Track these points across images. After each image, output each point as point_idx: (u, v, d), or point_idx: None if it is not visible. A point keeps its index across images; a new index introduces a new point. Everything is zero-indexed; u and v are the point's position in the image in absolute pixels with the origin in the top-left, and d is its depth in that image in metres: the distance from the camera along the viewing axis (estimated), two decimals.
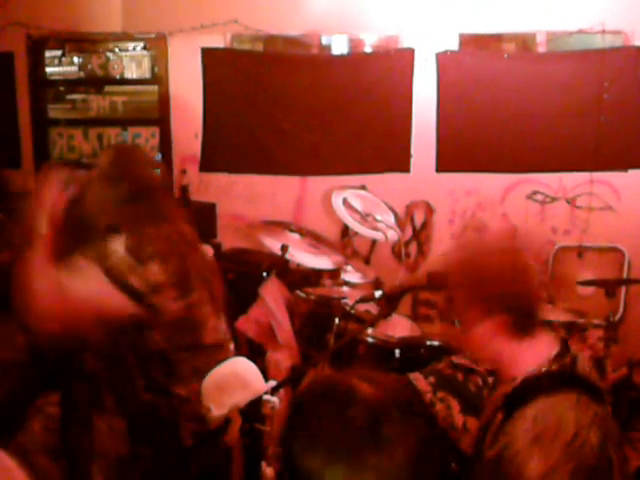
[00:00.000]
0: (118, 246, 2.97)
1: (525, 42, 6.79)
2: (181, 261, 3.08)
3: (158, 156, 7.09)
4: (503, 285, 2.36)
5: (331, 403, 1.58)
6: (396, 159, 6.65)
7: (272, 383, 2.52)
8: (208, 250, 6.10)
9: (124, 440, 3.09)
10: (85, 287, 2.95)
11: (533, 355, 2.35)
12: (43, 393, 4.38)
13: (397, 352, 4.58)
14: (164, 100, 6.97)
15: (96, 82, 7.36)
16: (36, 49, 7.09)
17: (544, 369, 2.32)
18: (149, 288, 2.96)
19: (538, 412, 2.21)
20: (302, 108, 6.75)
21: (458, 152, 6.56)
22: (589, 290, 5.85)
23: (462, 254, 2.54)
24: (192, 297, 3.10)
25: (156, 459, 3.07)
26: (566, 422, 2.18)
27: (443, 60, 6.49)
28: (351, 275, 5.31)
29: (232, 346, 3.34)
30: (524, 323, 2.37)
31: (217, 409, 2.59)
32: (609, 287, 5.07)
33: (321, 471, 1.53)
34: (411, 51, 6.53)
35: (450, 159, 6.58)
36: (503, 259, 2.44)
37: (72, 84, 7.43)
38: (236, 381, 2.68)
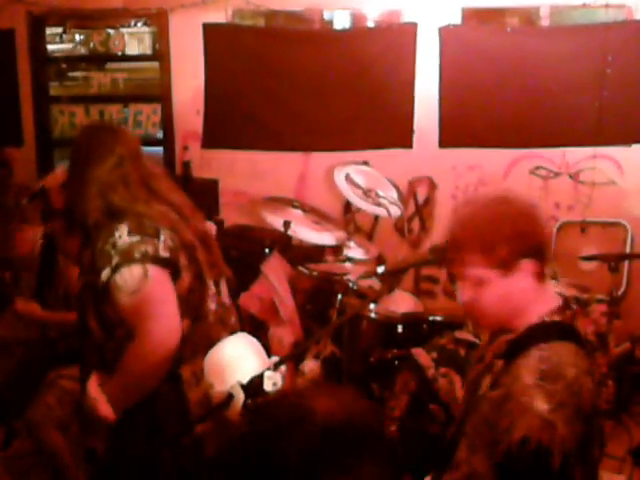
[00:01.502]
0: (125, 234, 2.95)
1: (528, 16, 6.76)
2: (181, 230, 3.07)
3: (160, 133, 7.09)
4: (531, 230, 2.37)
5: (280, 419, 1.44)
6: (399, 135, 6.63)
7: (275, 359, 2.51)
8: (210, 227, 6.12)
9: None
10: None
11: (540, 306, 2.40)
12: (54, 368, 4.40)
13: (400, 328, 4.58)
14: (165, 76, 6.94)
15: (97, 59, 7.35)
16: (37, 26, 7.05)
17: (547, 319, 2.38)
18: (170, 253, 2.96)
19: (542, 354, 2.28)
20: (304, 83, 6.72)
21: (461, 127, 6.54)
22: (592, 265, 5.86)
23: (475, 213, 2.43)
24: (197, 265, 3.10)
25: (173, 455, 3.07)
26: (567, 365, 2.26)
27: (446, 34, 6.45)
28: (353, 251, 5.31)
29: (234, 318, 3.33)
30: (542, 270, 2.40)
31: (219, 385, 2.58)
32: (612, 262, 5.07)
33: None
34: (414, 25, 6.49)
35: (453, 134, 6.55)
36: (518, 206, 2.42)
37: (73, 61, 7.42)
38: (238, 357, 2.67)
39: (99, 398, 2.97)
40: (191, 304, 3.04)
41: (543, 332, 2.36)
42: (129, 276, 2.88)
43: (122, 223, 2.95)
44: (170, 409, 3.04)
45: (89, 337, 3.09)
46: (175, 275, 2.96)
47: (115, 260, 2.90)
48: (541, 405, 2.19)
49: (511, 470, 2.23)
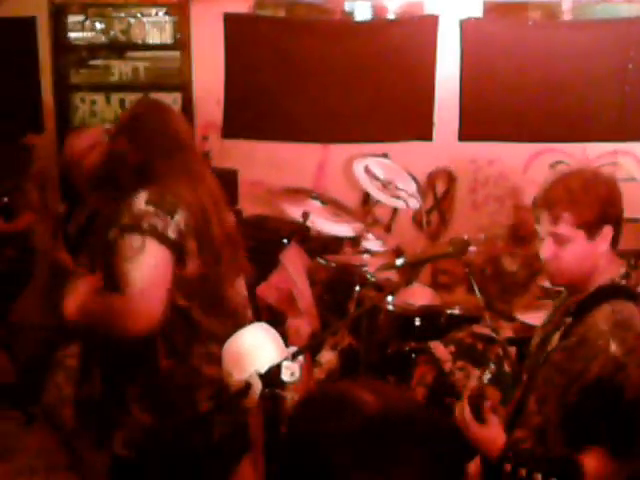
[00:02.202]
0: (142, 200, 2.96)
1: (550, 10, 6.71)
2: (204, 216, 3.07)
3: None
4: (615, 200, 2.57)
5: (324, 409, 1.46)
6: (419, 127, 6.62)
7: (292, 349, 2.52)
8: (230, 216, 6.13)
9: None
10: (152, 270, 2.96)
11: (610, 270, 2.59)
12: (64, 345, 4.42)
13: (417, 320, 4.58)
14: (186, 66, 6.95)
15: (118, 47, 7.35)
16: (58, 14, 7.08)
17: (616, 282, 2.57)
18: (178, 235, 2.96)
19: (614, 307, 2.49)
20: (324, 74, 6.72)
21: (481, 120, 6.52)
22: None
23: (576, 179, 2.60)
24: (213, 255, 3.09)
25: (175, 428, 3.06)
26: (636, 319, 2.47)
27: (467, 27, 6.43)
28: (372, 243, 5.31)
29: (250, 312, 3.33)
30: (618, 237, 2.60)
31: (237, 374, 2.59)
32: (631, 258, 5.04)
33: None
34: (435, 18, 6.48)
35: (473, 127, 6.54)
36: (605, 178, 2.63)
37: (94, 49, 7.42)
38: (257, 346, 2.68)
39: (77, 295, 3.02)
40: (202, 291, 3.04)
41: (612, 292, 2.54)
42: (129, 243, 2.90)
43: (145, 190, 2.97)
44: (176, 385, 3.05)
45: None
46: (179, 258, 2.96)
47: (124, 221, 2.92)
48: (615, 349, 2.38)
49: (584, 409, 2.41)
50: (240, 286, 3.27)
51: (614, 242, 2.58)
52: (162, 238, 2.90)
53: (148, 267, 2.90)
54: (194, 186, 3.09)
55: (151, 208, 2.92)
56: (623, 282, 2.59)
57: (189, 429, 3.05)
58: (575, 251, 2.55)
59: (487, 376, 3.48)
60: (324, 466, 1.37)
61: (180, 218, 2.95)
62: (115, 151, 3.17)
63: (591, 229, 2.52)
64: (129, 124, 3.22)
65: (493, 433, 2.62)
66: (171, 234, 2.92)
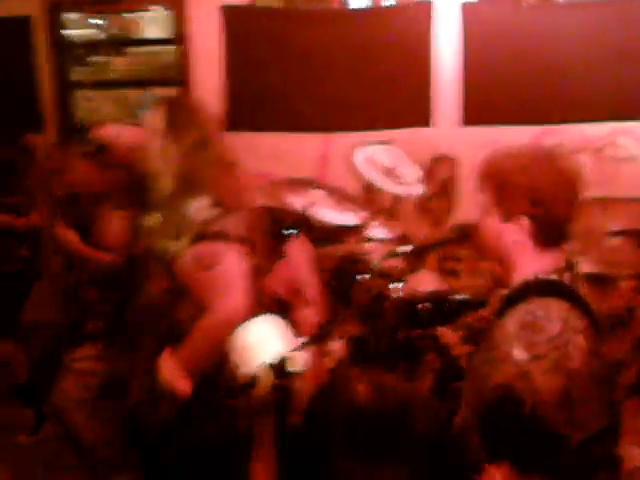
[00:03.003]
0: (206, 206, 2.95)
1: None
2: (250, 208, 3.09)
3: None
4: (548, 197, 2.37)
5: (321, 398, 1.46)
6: (420, 113, 6.61)
7: (300, 339, 2.52)
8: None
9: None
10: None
11: (535, 265, 2.39)
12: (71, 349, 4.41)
13: (425, 307, 4.58)
14: (185, 60, 6.95)
15: (116, 43, 7.35)
16: (55, 11, 7.09)
17: (542, 276, 2.36)
18: (246, 231, 2.97)
19: (529, 307, 2.27)
20: (323, 64, 6.71)
21: (483, 105, 6.51)
22: (618, 241, 5.81)
23: (515, 156, 2.49)
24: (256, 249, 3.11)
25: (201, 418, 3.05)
26: (553, 319, 2.23)
27: (467, 11, 6.42)
28: (376, 231, 5.31)
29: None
30: (547, 235, 2.40)
31: (244, 366, 2.59)
32: (639, 238, 5.05)
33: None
34: (431, 3, 6.47)
35: (475, 112, 6.52)
36: (549, 165, 2.45)
37: (92, 46, 7.42)
38: (264, 339, 2.68)
39: (174, 376, 2.94)
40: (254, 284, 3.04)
41: (535, 288, 2.34)
42: (207, 250, 2.89)
43: (203, 195, 2.96)
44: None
45: (144, 300, 3.09)
46: (250, 254, 2.97)
47: (194, 230, 2.91)
48: (519, 354, 2.18)
49: (488, 420, 2.23)
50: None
51: (540, 238, 2.40)
52: (235, 237, 2.91)
53: (230, 267, 2.89)
54: (231, 182, 3.10)
55: (216, 211, 2.92)
56: (552, 277, 2.37)
57: (215, 419, 3.04)
58: (492, 226, 2.48)
59: None
60: (316, 453, 1.38)
61: (242, 216, 2.97)
62: (157, 155, 3.12)
63: (507, 213, 2.42)
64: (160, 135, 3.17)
65: None
66: (241, 232, 2.93)
